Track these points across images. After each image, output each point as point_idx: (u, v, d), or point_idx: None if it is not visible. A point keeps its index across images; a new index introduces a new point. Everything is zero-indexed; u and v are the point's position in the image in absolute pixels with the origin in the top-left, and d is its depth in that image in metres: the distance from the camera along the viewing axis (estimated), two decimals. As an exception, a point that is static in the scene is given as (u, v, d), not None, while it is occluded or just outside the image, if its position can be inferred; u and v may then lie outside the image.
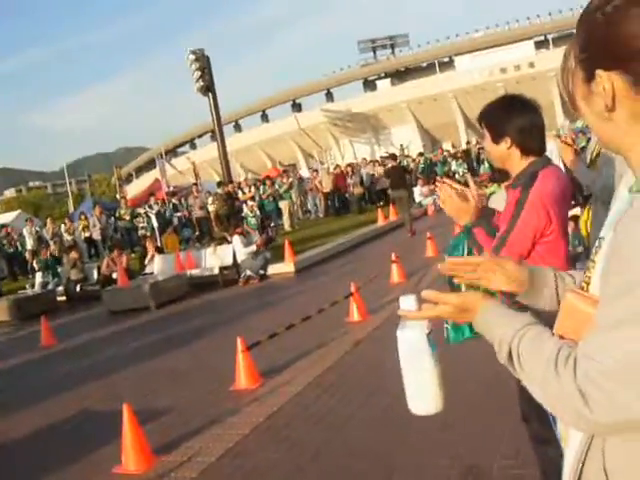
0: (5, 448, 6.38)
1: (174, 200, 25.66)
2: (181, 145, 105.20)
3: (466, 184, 3.03)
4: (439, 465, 4.20)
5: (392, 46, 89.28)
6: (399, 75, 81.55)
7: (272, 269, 14.58)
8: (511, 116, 2.91)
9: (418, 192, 24.76)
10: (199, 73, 26.45)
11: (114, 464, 5.23)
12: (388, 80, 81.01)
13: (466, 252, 3.13)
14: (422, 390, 1.78)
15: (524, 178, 2.88)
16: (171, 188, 30.26)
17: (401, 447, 4.66)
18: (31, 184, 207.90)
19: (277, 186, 25.70)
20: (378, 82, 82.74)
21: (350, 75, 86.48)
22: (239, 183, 27.11)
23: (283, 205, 24.61)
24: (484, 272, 1.74)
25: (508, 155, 2.94)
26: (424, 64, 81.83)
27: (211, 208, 23.54)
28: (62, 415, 7.09)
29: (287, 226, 23.71)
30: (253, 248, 14.29)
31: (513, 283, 1.73)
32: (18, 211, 42.17)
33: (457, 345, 3.26)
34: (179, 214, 24.57)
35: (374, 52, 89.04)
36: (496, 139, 2.94)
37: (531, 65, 60.37)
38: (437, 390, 1.75)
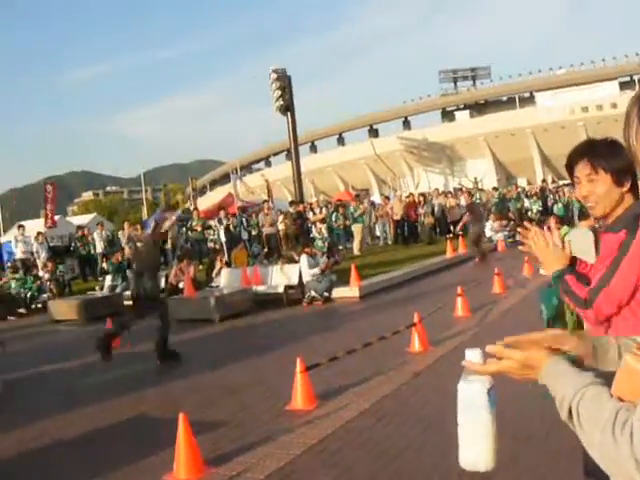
0: (61, 445, 6.52)
1: (245, 216, 25.95)
2: (256, 162, 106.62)
3: (541, 225, 2.93)
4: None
5: (473, 78, 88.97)
6: (478, 107, 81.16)
7: (337, 292, 14.58)
8: (626, 158, 2.72)
9: (489, 227, 24.48)
10: (279, 92, 26.82)
11: (165, 471, 5.29)
12: (467, 112, 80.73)
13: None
14: (475, 445, 1.78)
15: (626, 220, 2.63)
16: (243, 203, 30.69)
17: (453, 484, 4.58)
18: (108, 189, 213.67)
19: (352, 209, 25.70)
20: (457, 113, 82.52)
21: (429, 104, 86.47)
22: (310, 204, 27.28)
23: (356, 229, 24.56)
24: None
25: (622, 198, 2.72)
26: (504, 98, 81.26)
27: (281, 226, 23.72)
28: (119, 417, 7.22)
29: (356, 250, 23.66)
30: (318, 270, 14.34)
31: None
32: (94, 214, 43.38)
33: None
34: (249, 230, 24.82)
35: (455, 83, 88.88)
36: (621, 181, 2.71)
37: (614, 106, 59.01)
38: (490, 448, 1.76)
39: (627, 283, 2.47)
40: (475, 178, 48.07)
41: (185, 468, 5.18)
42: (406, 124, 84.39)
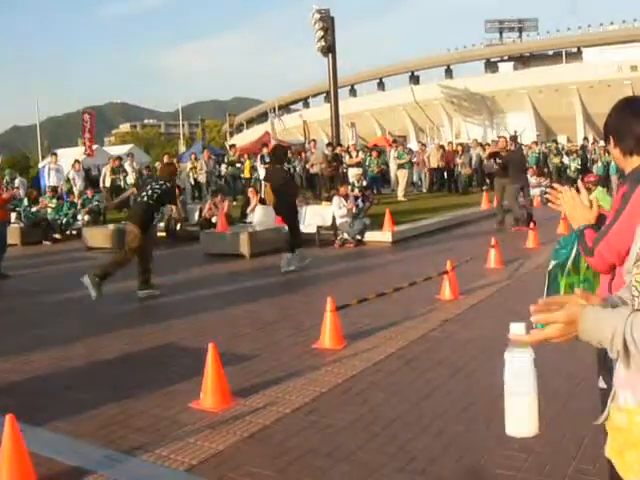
0: (92, 367, 6.66)
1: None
2: (295, 102, 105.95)
3: (576, 186, 3.07)
4: (510, 456, 4.13)
5: (520, 29, 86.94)
6: (523, 60, 79.44)
7: (369, 236, 14.56)
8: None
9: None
10: (322, 33, 26.36)
11: (192, 399, 5.38)
12: (511, 64, 79.04)
13: (574, 253, 3.08)
14: (522, 412, 1.90)
15: (634, 175, 2.78)
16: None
17: (476, 432, 4.60)
18: (146, 121, 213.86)
19: (397, 154, 25.44)
20: (500, 64, 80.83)
21: (473, 54, 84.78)
22: (347, 147, 27.05)
23: (401, 174, 24.43)
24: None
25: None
26: (550, 52, 79.34)
27: (317, 168, 23.68)
28: (149, 344, 7.34)
29: (401, 196, 23.53)
30: (346, 211, 14.31)
31: None
32: (131, 145, 43.55)
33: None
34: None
35: (500, 34, 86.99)
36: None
37: (663, 65, 57.39)
38: (536, 414, 1.90)
39: (624, 232, 2.58)
40: (515, 132, 47.24)
41: (212, 397, 5.26)
42: (448, 73, 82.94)
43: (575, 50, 74.46)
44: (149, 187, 10.21)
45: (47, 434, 4.87)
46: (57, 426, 5.02)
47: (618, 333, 1.56)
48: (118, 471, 4.21)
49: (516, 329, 1.85)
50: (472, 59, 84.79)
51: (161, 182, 10.30)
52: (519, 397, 1.88)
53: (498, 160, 15.76)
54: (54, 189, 22.29)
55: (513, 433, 1.92)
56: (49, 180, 24.09)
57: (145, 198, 10.07)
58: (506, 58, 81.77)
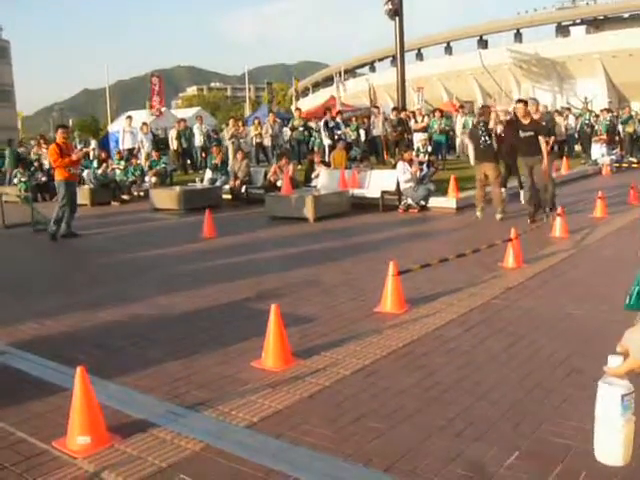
0: (157, 323, 6.84)
1: (345, 119, 25.76)
2: (361, 66, 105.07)
3: None
4: (569, 427, 4.10)
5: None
6: (596, 23, 76.73)
7: (433, 202, 14.46)
8: None
9: (598, 149, 23.52)
10: (389, -4, 25.95)
11: (253, 358, 5.49)
12: (583, 27, 76.42)
13: None
14: (608, 443, 1.90)
15: None
16: (345, 107, 30.44)
17: (535, 401, 4.58)
18: (212, 85, 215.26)
19: (465, 119, 25.05)
20: (572, 28, 78.24)
21: (544, 17, 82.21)
22: (413, 112, 26.74)
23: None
24: None
25: None
26: (626, 15, 76.32)
27: (379, 131, 23.56)
28: (212, 303, 7.49)
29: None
30: (410, 175, 14.22)
31: None
32: (198, 108, 43.87)
33: None
34: (348, 132, 24.66)
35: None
36: None
37: None
38: (624, 447, 1.88)
39: None
40: (585, 98, 45.91)
41: (273, 357, 5.36)
42: (517, 37, 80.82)
43: (653, 12, 71.66)
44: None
45: (114, 387, 5.05)
46: (124, 380, 5.19)
47: None
48: (181, 425, 4.34)
49: (613, 362, 1.85)
50: (542, 23, 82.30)
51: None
52: (606, 428, 1.88)
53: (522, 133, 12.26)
54: (130, 151, 22.74)
55: (600, 458, 1.92)
56: (124, 143, 24.56)
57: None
58: (578, 21, 79.15)
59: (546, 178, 12.48)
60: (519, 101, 13.08)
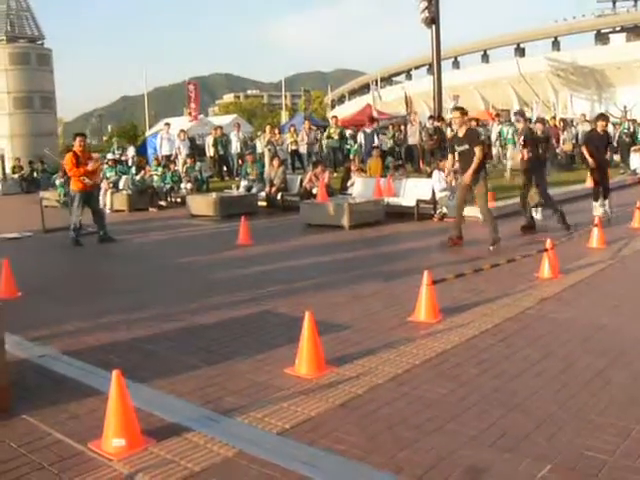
0: (193, 327, 6.91)
1: (381, 126, 25.80)
2: (397, 74, 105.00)
3: None
4: (605, 440, 4.06)
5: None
6: (637, 31, 75.64)
7: (469, 211, 14.32)
8: None
9: (637, 159, 23.21)
10: (425, 4, 25.91)
11: (286, 365, 5.52)
12: (624, 35, 75.39)
13: None
14: None
15: None
16: (380, 115, 30.47)
17: (569, 413, 4.54)
18: (249, 92, 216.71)
19: (502, 129, 24.94)
20: (612, 36, 77.24)
21: (582, 25, 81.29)
22: (449, 120, 26.64)
23: (509, 149, 24.03)
24: None
25: None
26: (669, 22, 75.23)
27: (414, 140, 23.53)
28: (246, 310, 7.54)
29: (509, 169, 23.12)
30: (445, 185, 14.20)
31: None
32: (234, 115, 44.22)
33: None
34: (385, 141, 24.67)
35: (613, 3, 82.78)
36: None
37: None
38: None
39: None
40: (624, 107, 45.31)
41: (306, 364, 5.38)
42: (555, 45, 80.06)
43: (697, 19, 70.57)
44: None
45: (149, 391, 5.11)
46: (158, 384, 5.26)
47: None
48: (214, 430, 4.38)
49: None
50: (581, 30, 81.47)
51: None
52: None
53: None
54: (168, 158, 23.00)
55: None
56: (161, 149, 24.85)
57: None
58: (618, 29, 78.18)
59: (482, 204, 11.13)
60: (455, 109, 11.90)
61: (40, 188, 24.83)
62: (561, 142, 25.71)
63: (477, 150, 10.70)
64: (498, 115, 29.33)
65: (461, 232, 11.32)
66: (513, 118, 12.66)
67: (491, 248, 10.66)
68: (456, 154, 11.09)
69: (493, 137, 25.90)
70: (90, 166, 12.99)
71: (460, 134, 11.06)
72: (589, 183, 18.76)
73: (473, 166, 10.65)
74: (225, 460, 3.97)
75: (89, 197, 13.06)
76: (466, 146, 10.85)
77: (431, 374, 5.34)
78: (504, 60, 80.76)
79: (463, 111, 11.24)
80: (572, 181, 19.77)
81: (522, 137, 12.76)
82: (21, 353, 6.16)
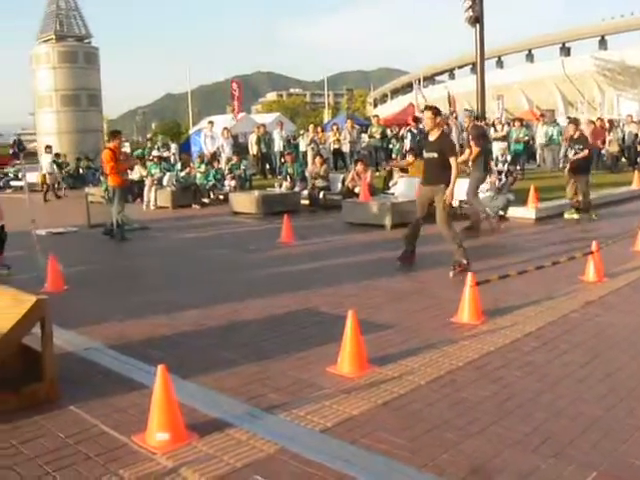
0: (236, 324, 6.96)
1: (422, 126, 25.64)
2: (440, 74, 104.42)
3: None
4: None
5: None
6: (689, 30, 74.13)
7: (512, 212, 14.25)
8: None
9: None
10: (469, 3, 25.74)
11: (329, 363, 5.53)
12: (675, 32, 73.86)
13: None
14: None
15: None
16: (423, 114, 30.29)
17: (616, 419, 4.47)
18: (292, 90, 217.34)
19: (546, 128, 24.71)
20: (662, 34, 75.71)
21: (630, 23, 79.74)
22: (492, 121, 26.46)
23: (550, 149, 23.88)
24: None
25: None
26: None
27: (457, 140, 23.36)
28: (288, 308, 7.57)
29: (550, 170, 22.93)
30: (488, 185, 14.06)
31: None
32: (278, 113, 44.41)
33: None
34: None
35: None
36: None
37: None
38: None
39: None
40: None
41: (349, 363, 5.39)
42: (602, 44, 78.78)
43: None
44: None
45: (192, 386, 5.16)
46: (201, 380, 5.31)
47: None
48: (257, 426, 4.41)
49: None
50: (629, 29, 79.99)
51: None
52: None
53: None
54: (212, 155, 23.19)
55: None
56: (205, 147, 25.07)
57: None
58: (669, 27, 76.77)
59: (441, 220, 9.22)
60: (427, 108, 9.96)
61: (85, 184, 25.18)
62: (607, 143, 25.28)
63: (452, 161, 9.06)
64: (542, 115, 29.01)
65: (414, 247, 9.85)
66: (462, 115, 12.52)
67: (451, 274, 8.91)
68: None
69: (538, 138, 25.63)
70: (127, 163, 13.36)
71: (431, 138, 9.45)
72: (635, 185, 18.52)
73: (453, 182, 9.00)
74: (267, 457, 4.00)
75: (127, 193, 13.45)
76: (434, 154, 9.26)
77: (474, 376, 5.30)
78: (549, 60, 79.76)
79: (435, 111, 9.45)
80: (619, 183, 19.41)
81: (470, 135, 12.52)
82: (67, 346, 6.28)
